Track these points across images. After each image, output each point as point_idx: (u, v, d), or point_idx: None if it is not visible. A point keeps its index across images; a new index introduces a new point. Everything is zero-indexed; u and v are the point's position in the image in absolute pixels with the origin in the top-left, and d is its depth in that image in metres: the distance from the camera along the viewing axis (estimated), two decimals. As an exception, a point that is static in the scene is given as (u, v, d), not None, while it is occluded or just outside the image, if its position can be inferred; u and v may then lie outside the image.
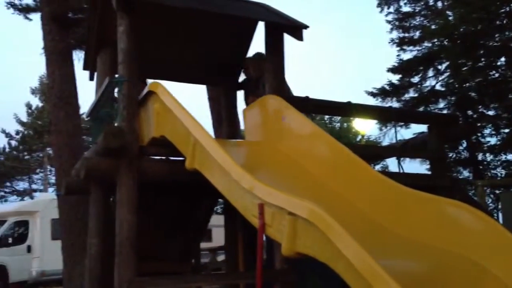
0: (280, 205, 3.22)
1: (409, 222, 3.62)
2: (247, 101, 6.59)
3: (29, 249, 15.67)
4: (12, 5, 10.31)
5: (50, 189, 31.08)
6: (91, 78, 6.93)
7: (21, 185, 36.49)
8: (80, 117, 9.58)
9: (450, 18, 14.99)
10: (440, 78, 16.95)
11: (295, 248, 3.07)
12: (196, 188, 4.95)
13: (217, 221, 11.52)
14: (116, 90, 5.21)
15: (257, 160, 4.90)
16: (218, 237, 13.22)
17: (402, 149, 7.51)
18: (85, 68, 7.01)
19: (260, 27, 6.08)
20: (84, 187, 5.62)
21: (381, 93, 17.42)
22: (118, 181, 4.76)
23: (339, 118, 31.45)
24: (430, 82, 17.06)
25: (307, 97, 6.23)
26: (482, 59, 14.74)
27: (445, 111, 15.78)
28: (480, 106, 15.71)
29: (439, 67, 16.72)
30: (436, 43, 16.37)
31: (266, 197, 3.35)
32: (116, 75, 5.24)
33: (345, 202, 4.08)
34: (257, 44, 6.41)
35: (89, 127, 15.60)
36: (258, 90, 6.17)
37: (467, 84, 15.36)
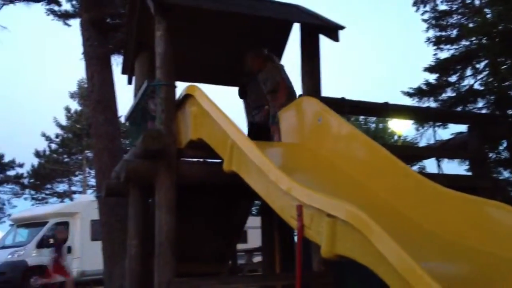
0: (319, 206, 3.21)
1: (449, 223, 3.56)
2: (242, 95, 6.69)
3: (69, 249, 15.97)
4: (52, 12, 10.56)
5: (89, 191, 31.73)
6: (130, 82, 7.06)
7: (61, 187, 37.31)
8: (119, 121, 9.75)
9: (488, 16, 14.65)
10: (478, 77, 16.57)
11: (334, 250, 3.06)
12: (234, 190, 4.97)
13: (252, 222, 11.56)
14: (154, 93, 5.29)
15: (294, 162, 4.90)
16: (254, 238, 13.28)
17: (441, 150, 7.39)
18: (123, 72, 7.15)
19: (295, 28, 6.09)
20: (124, 189, 5.72)
21: (418, 93, 17.11)
22: (157, 183, 4.84)
23: (374, 118, 31.13)
24: (468, 81, 16.69)
25: (343, 98, 6.19)
26: (523, 57, 14.34)
27: (484, 111, 15.43)
28: (520, 105, 15.29)
29: (478, 65, 16.34)
30: (474, 41, 16.01)
31: (305, 198, 3.35)
32: (154, 79, 5.34)
33: (384, 204, 4.03)
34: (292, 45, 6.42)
35: (127, 130, 15.88)
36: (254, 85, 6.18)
37: (507, 82, 14.97)
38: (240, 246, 12.81)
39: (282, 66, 6.12)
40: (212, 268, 6.13)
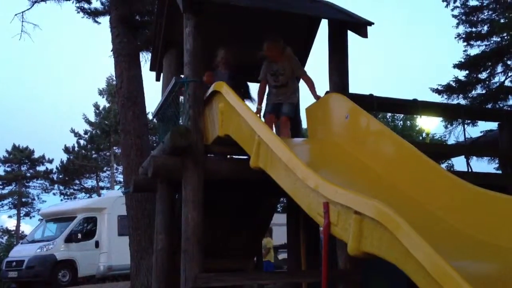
0: (346, 204, 3.19)
1: (480, 222, 3.50)
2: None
3: (97, 244, 16.21)
4: (82, 9, 10.70)
5: (116, 187, 32.15)
6: (158, 79, 7.11)
7: (89, 182, 37.93)
8: (147, 117, 9.84)
9: (521, 11, 14.35)
10: (509, 74, 16.25)
11: (361, 248, 3.03)
12: (260, 186, 4.98)
13: (278, 219, 11.56)
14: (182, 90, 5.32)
15: (321, 159, 4.88)
16: (279, 235, 13.27)
17: (470, 148, 7.28)
18: (151, 69, 7.21)
19: (323, 24, 6.06)
20: (151, 184, 5.78)
21: (447, 90, 16.85)
22: (184, 179, 4.88)
23: (401, 116, 30.78)
24: (499, 78, 16.38)
25: (371, 95, 6.15)
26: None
27: (515, 108, 15.14)
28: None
29: (509, 62, 16.02)
30: (505, 37, 15.69)
31: (332, 195, 3.33)
32: (182, 76, 5.37)
33: (413, 202, 3.99)
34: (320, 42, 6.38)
35: (155, 127, 15.99)
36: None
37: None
38: (266, 243, 12.82)
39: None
40: (237, 264, 6.14)
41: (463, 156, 6.86)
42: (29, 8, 10.83)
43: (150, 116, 13.75)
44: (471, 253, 3.30)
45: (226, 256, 6.16)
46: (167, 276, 5.28)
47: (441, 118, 15.84)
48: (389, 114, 29.34)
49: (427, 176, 4.08)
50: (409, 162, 4.30)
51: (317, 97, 5.62)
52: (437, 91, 16.95)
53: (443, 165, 18.12)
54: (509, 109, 14.58)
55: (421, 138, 27.13)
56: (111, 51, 9.18)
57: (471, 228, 3.49)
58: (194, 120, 5.01)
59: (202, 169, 4.90)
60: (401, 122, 32.01)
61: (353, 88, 5.66)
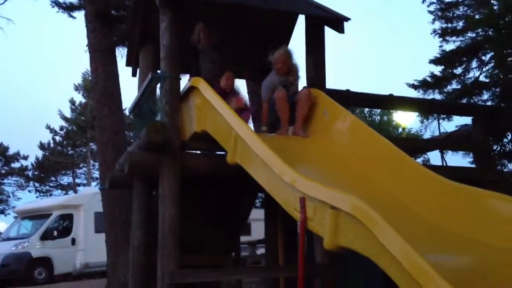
0: (322, 199, 3.21)
1: (454, 216, 3.55)
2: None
3: (73, 241, 16.06)
4: (57, 4, 10.52)
5: (93, 183, 31.86)
6: (134, 74, 7.05)
7: (65, 179, 37.49)
8: (123, 113, 9.75)
9: (495, 7, 14.55)
10: (484, 69, 16.49)
11: (337, 242, 3.06)
12: (238, 182, 4.98)
13: (256, 215, 11.56)
14: (158, 85, 5.29)
15: (299, 155, 4.88)
16: (257, 230, 13.30)
17: (445, 142, 7.37)
18: (128, 64, 7.14)
19: (301, 20, 6.06)
20: (127, 181, 5.73)
21: (423, 85, 17.05)
22: (161, 175, 4.85)
23: (379, 111, 31.03)
24: (473, 74, 16.61)
25: (348, 90, 6.18)
26: (529, 49, 14.26)
27: (489, 103, 15.36)
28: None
29: (483, 57, 16.25)
30: (480, 33, 15.91)
31: (308, 191, 3.35)
32: (159, 71, 5.33)
33: (389, 196, 4.03)
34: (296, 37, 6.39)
35: (132, 123, 15.87)
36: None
37: (512, 74, 14.90)
38: (243, 238, 12.83)
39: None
40: (215, 260, 6.13)
41: (438, 151, 6.92)
42: (3, 3, 10.62)
43: (127, 112, 13.65)
44: (444, 246, 3.35)
45: (204, 252, 6.14)
46: (144, 273, 5.24)
47: (417, 113, 16.00)
48: (366, 109, 29.57)
49: (403, 171, 4.13)
50: (385, 157, 4.34)
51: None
52: (413, 86, 17.12)
53: (419, 160, 18.39)
54: (483, 104, 14.80)
55: (397, 133, 27.38)
56: (87, 46, 9.06)
57: (445, 221, 3.55)
58: (170, 115, 4.98)
59: (179, 165, 4.87)
60: (378, 117, 32.28)
61: (330, 84, 5.70)
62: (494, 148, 15.34)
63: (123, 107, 9.58)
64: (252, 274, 5.34)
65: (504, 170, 15.19)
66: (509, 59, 14.64)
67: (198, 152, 5.60)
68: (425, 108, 8.32)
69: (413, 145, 7.74)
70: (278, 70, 5.36)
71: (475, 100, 15.82)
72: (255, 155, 3.97)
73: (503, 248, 3.15)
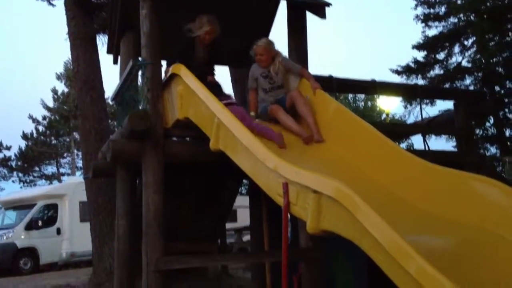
0: (304, 183, 3.22)
1: (435, 198, 3.58)
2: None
3: (58, 231, 16.00)
4: (36, -9, 10.37)
5: (78, 173, 31.63)
6: (115, 62, 6.98)
7: (49, 169, 37.20)
8: (106, 101, 9.67)
9: (477, -8, 14.63)
10: (466, 54, 16.61)
11: (320, 226, 3.08)
12: (222, 169, 4.98)
13: (242, 202, 11.60)
14: (140, 73, 5.25)
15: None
16: (243, 217, 13.35)
17: (427, 127, 7.43)
18: (109, 52, 7.07)
19: (282, 6, 6.04)
20: (111, 169, 5.71)
21: (406, 70, 17.15)
22: (144, 163, 4.83)
23: (363, 97, 31.17)
24: (456, 59, 16.74)
25: (330, 76, 6.19)
26: (510, 33, 14.38)
27: (471, 88, 15.51)
28: (507, 82, 15.38)
29: (466, 42, 16.37)
30: (462, 18, 16.01)
31: (291, 176, 3.36)
32: (140, 58, 5.29)
33: (370, 180, 4.05)
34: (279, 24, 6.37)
35: (115, 111, 15.75)
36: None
37: (494, 59, 15.04)
38: (229, 225, 12.87)
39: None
40: (201, 247, 6.16)
41: (421, 135, 6.98)
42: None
43: (110, 101, 13.52)
44: (426, 228, 3.39)
45: (190, 240, 6.16)
46: (129, 261, 5.25)
47: (400, 99, 16.10)
48: (350, 96, 29.70)
49: (383, 155, 4.16)
50: (368, 142, 4.36)
51: (314, 87, 5.11)
52: (396, 72, 17.23)
53: (403, 145, 18.53)
54: (465, 88, 14.93)
55: (381, 118, 27.54)
56: (67, 34, 8.95)
57: (426, 203, 3.58)
58: (152, 103, 4.95)
59: (162, 153, 4.86)
60: (362, 103, 32.43)
61: (312, 70, 5.69)
62: (477, 132, 15.57)
63: (106, 95, 9.49)
64: (236, 260, 5.37)
65: (486, 153, 15.43)
66: (491, 44, 14.80)
67: (183, 139, 5.59)
68: (407, 93, 8.36)
69: (396, 130, 7.80)
70: (259, 62, 5.27)
71: (458, 85, 15.97)
72: (238, 141, 3.97)
73: (483, 229, 3.20)
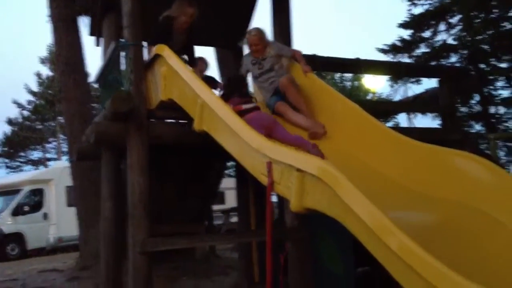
0: (288, 162, 3.23)
1: (418, 175, 3.60)
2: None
3: (45, 216, 15.96)
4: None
5: (64, 157, 31.39)
6: (98, 44, 6.89)
7: (35, 154, 36.89)
8: (89, 84, 9.58)
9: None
10: (452, 32, 16.63)
11: (303, 204, 3.09)
12: (207, 150, 4.96)
13: (229, 184, 11.61)
14: (122, 54, 5.18)
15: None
16: (231, 199, 13.40)
17: (412, 104, 7.45)
18: (91, 34, 6.97)
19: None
20: (95, 152, 5.67)
21: (392, 49, 17.18)
22: (128, 145, 4.80)
23: (350, 77, 31.15)
24: (442, 37, 16.75)
25: (314, 55, 6.16)
26: (495, 11, 14.41)
27: (457, 65, 15.57)
28: (492, 59, 15.45)
29: (451, 20, 16.38)
30: (448, -5, 16.00)
31: (274, 155, 3.36)
32: (122, 39, 5.22)
33: (354, 157, 4.08)
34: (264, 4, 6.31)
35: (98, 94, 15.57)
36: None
37: (480, 37, 15.09)
38: (217, 207, 12.91)
39: None
40: (188, 228, 6.16)
41: (406, 113, 7.00)
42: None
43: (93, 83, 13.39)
44: (410, 205, 3.41)
45: (176, 221, 6.16)
46: (115, 243, 5.24)
47: (387, 78, 16.13)
48: (337, 76, 29.67)
49: (367, 132, 4.17)
50: (352, 120, 4.37)
51: (305, 70, 5.06)
52: (383, 51, 17.24)
53: (390, 123, 18.60)
54: (450, 65, 14.97)
55: (368, 98, 27.57)
56: (49, 16, 8.82)
57: (409, 180, 3.59)
58: (135, 84, 4.90)
59: (146, 134, 4.82)
60: (349, 83, 32.41)
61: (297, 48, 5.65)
62: (462, 109, 15.67)
63: (89, 78, 9.40)
64: (222, 240, 5.38)
65: (471, 130, 15.55)
66: (476, 21, 14.84)
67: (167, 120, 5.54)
68: (391, 70, 8.35)
69: (381, 108, 7.81)
70: (253, 52, 5.21)
71: (444, 63, 16.01)
72: (222, 122, 3.96)
73: (465, 205, 3.22)
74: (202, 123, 4.27)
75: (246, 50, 6.86)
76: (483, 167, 3.28)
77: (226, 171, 11.36)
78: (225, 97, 4.45)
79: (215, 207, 10.46)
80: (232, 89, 4.74)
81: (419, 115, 14.50)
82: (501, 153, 14.41)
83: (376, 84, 17.28)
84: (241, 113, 4.24)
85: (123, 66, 5.26)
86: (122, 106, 4.64)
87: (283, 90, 4.94)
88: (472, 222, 3.10)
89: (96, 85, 8.50)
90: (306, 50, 5.88)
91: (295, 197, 3.11)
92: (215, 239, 5.51)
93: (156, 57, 4.97)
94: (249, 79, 5.43)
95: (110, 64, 5.63)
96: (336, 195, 2.81)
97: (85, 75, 8.78)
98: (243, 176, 6.08)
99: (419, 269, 2.26)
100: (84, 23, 9.36)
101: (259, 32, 5.20)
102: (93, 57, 8.16)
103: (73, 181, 8.23)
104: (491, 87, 15.76)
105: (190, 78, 4.42)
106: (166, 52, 4.78)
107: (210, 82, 5.47)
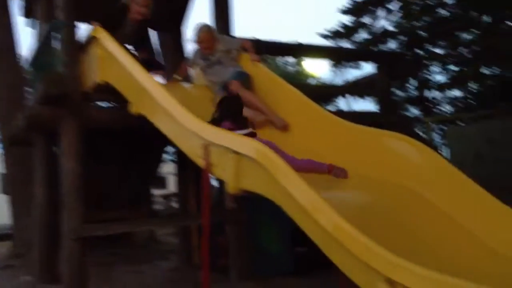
0: (224, 144, 3.23)
1: (352, 155, 3.67)
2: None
3: (-20, 205, 15.34)
4: None
5: None
6: (30, 26, 6.63)
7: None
8: (23, 68, 9.21)
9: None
10: (391, 19, 17.01)
11: (240, 185, 3.11)
12: (145, 134, 4.86)
13: (171, 169, 11.50)
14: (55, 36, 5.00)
15: (204, 104, 4.83)
16: (173, 184, 13.31)
17: (350, 88, 7.57)
18: (26, 15, 6.70)
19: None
20: (28, 137, 5.47)
21: (334, 35, 17.44)
22: (61, 130, 4.64)
23: (293, 62, 31.34)
24: (381, 23, 17.12)
25: (257, 39, 6.14)
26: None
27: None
28: (429, 45, 15.92)
29: (390, 7, 16.75)
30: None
31: (211, 138, 3.36)
32: (55, 20, 5.03)
33: (288, 137, 4.13)
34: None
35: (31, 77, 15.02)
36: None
37: (417, 23, 15.51)
38: (159, 192, 12.79)
39: None
40: (127, 213, 6.04)
41: (344, 97, 7.10)
42: None
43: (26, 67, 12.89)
44: (344, 185, 3.47)
45: (115, 206, 6.04)
46: (49, 230, 5.10)
47: (329, 64, 16.38)
48: (281, 62, 29.82)
49: (306, 116, 4.21)
50: (290, 103, 4.39)
51: (253, 59, 4.96)
52: (324, 36, 17.47)
53: (331, 107, 18.89)
54: (387, 51, 15.33)
55: (310, 82, 27.88)
56: (-23, -3, 8.40)
57: (343, 160, 3.64)
58: (69, 66, 4.73)
59: (80, 118, 4.67)
60: (292, 68, 32.60)
61: (239, 34, 5.63)
62: (400, 94, 16.11)
63: (23, 61, 9.03)
64: (160, 224, 5.31)
65: (407, 114, 16.03)
66: (412, 7, 15.24)
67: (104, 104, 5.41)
68: (331, 55, 8.42)
69: (322, 92, 7.89)
70: (202, 50, 5.01)
71: (383, 48, 16.38)
72: (158, 105, 3.89)
73: (397, 185, 3.31)
74: (138, 106, 4.19)
75: (187, 33, 6.81)
76: (414, 147, 3.38)
77: (169, 157, 11.24)
78: (216, 122, 3.74)
79: (157, 192, 10.35)
80: (225, 112, 3.94)
81: (361, 101, 14.83)
82: (436, 136, 14.92)
83: (318, 69, 17.54)
84: None
85: (56, 48, 5.08)
86: (54, 89, 4.48)
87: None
88: (403, 200, 3.17)
89: (29, 68, 8.17)
90: (247, 34, 5.88)
91: (231, 179, 3.13)
92: (152, 223, 5.42)
93: (92, 39, 4.81)
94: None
95: (42, 46, 5.42)
96: (273, 177, 2.82)
97: (17, 57, 8.42)
98: (184, 161, 6.02)
99: (348, 245, 2.31)
100: (19, 5, 8.99)
101: (209, 29, 5.02)
102: (28, 39, 7.86)
103: (6, 168, 7.92)
104: (427, 72, 16.27)
105: (127, 60, 4.31)
106: (102, 34, 4.64)
107: (153, 65, 5.31)
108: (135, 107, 4.23)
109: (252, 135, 3.63)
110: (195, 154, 3.52)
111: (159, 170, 6.68)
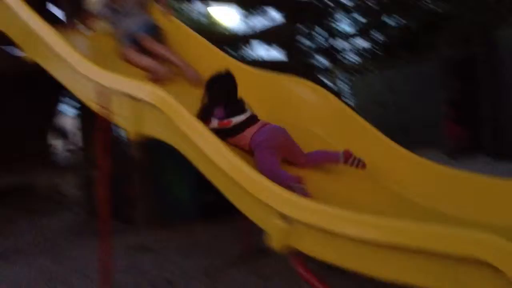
0: (122, 90, 3.12)
1: (257, 100, 3.63)
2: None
3: None
4: None
5: None
6: None
7: None
8: None
9: None
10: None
11: (140, 131, 3.04)
12: (42, 81, 4.59)
13: (75, 121, 11.06)
14: None
15: (103, 52, 4.60)
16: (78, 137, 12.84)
17: (258, 36, 7.56)
18: None
19: None
20: None
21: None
22: None
23: (204, 12, 30.72)
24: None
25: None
26: None
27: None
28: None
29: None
30: None
31: (109, 83, 3.23)
32: None
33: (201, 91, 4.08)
34: None
35: None
36: None
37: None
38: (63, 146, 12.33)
39: None
40: (26, 165, 5.75)
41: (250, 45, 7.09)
42: None
43: None
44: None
45: (14, 158, 5.75)
46: None
47: (239, 13, 16.23)
48: (194, 15, 29.15)
49: (215, 64, 4.10)
50: (205, 60, 4.24)
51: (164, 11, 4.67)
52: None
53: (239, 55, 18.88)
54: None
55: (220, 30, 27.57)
56: None
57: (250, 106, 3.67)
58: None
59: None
60: (204, 19, 32.01)
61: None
62: (307, 43, 16.30)
63: None
64: (58, 175, 5.09)
65: (316, 64, 16.31)
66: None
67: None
68: (240, 2, 8.34)
69: (231, 40, 7.84)
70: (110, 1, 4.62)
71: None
72: (51, 50, 3.66)
73: (297, 127, 3.37)
74: (31, 52, 3.95)
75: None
76: (311, 89, 3.49)
77: (72, 109, 10.78)
78: (207, 109, 3.15)
79: (60, 144, 9.93)
80: (216, 96, 3.22)
81: (275, 52, 14.85)
82: (345, 86, 15.34)
83: (230, 19, 17.40)
84: (229, 132, 3.07)
85: None
86: None
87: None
88: (304, 142, 3.26)
89: None
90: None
91: (131, 125, 3.07)
92: (49, 173, 5.23)
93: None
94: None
95: None
96: (172, 122, 2.79)
97: None
98: (88, 112, 5.80)
99: (244, 184, 2.34)
100: None
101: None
102: None
103: None
104: (334, 21, 16.50)
105: (17, 5, 4.01)
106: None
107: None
108: (28, 53, 3.97)
109: (252, 119, 3.14)
110: (92, 101, 3.38)
111: (60, 122, 6.40)
